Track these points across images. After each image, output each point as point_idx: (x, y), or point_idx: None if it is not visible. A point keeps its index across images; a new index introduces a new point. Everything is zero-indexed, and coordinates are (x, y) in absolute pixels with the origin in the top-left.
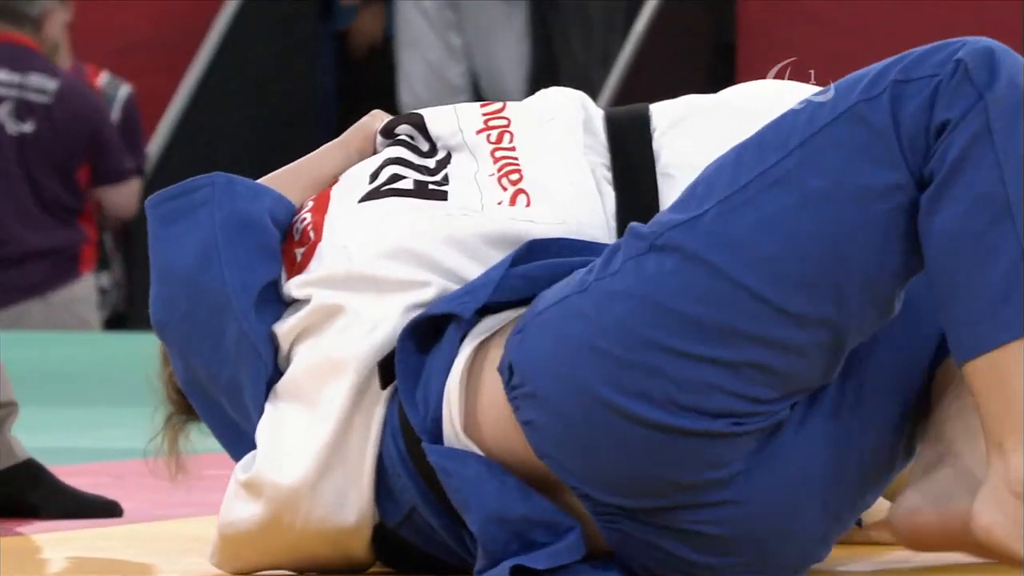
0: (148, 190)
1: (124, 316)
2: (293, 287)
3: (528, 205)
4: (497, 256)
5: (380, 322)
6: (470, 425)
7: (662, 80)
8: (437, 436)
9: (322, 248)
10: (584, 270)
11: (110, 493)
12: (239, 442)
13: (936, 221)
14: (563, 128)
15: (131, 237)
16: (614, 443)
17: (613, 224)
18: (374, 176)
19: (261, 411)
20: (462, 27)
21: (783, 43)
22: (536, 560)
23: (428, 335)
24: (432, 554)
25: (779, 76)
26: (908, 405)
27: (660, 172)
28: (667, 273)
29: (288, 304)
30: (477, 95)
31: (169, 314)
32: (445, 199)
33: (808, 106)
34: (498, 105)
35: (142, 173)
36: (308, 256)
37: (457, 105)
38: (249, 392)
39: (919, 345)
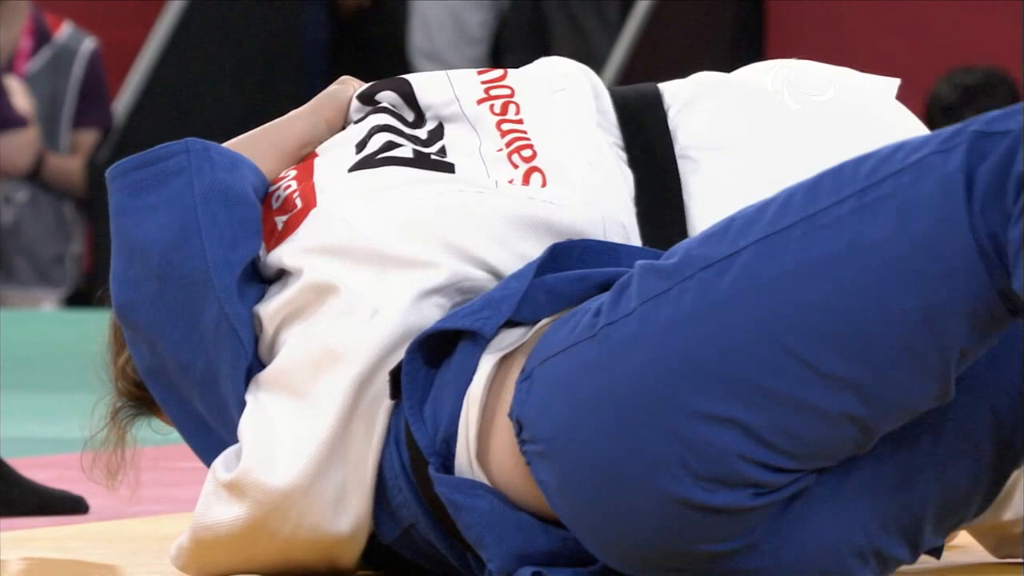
0: (116, 153)
1: (86, 293)
2: (285, 255)
3: (544, 185)
4: (517, 238)
5: (382, 308)
6: (483, 453)
7: (680, 42)
8: (448, 458)
9: (316, 214)
10: (593, 307)
11: (75, 488)
12: (206, 438)
13: None
14: (574, 100)
15: (94, 205)
16: (627, 514)
17: (634, 209)
18: (362, 145)
19: (241, 403)
20: None
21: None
22: (559, 574)
23: (439, 347)
24: (426, 567)
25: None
26: (984, 446)
27: (678, 154)
28: (688, 318)
29: (271, 281)
30: (496, 49)
31: (136, 295)
32: (452, 171)
33: (873, 156)
34: (498, 72)
35: (108, 133)
36: (295, 223)
37: (450, 71)
38: (227, 382)
39: (991, 381)
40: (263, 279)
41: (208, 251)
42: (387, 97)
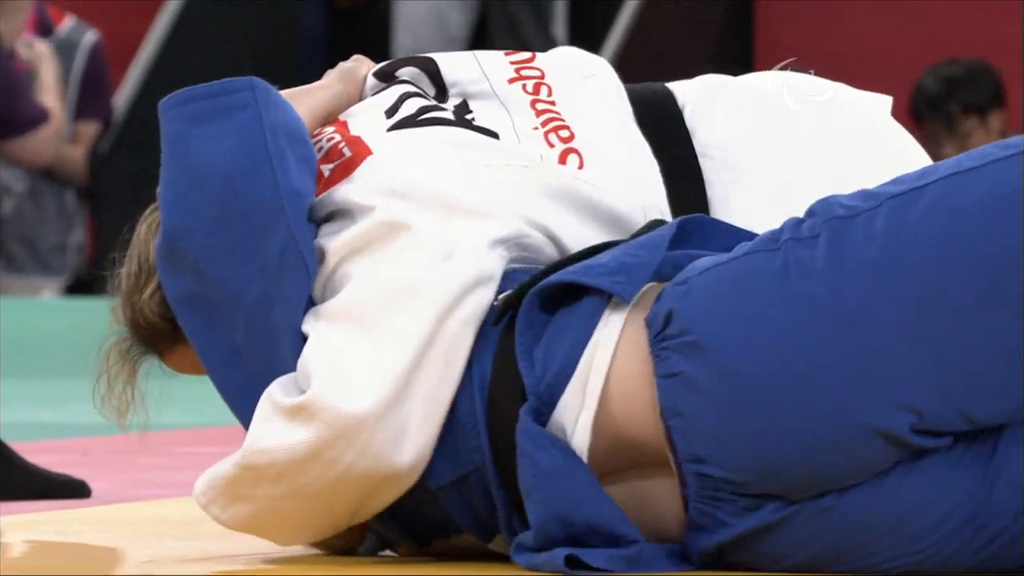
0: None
1: (87, 282)
2: (354, 193)
3: (581, 167)
4: (563, 213)
5: (457, 252)
6: (604, 394)
7: (668, 40)
8: (549, 403)
9: (375, 161)
10: (768, 232)
11: (78, 472)
12: (233, 371)
13: None
14: (605, 87)
15: (96, 195)
16: (769, 416)
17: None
18: (392, 110)
19: (295, 333)
20: None
21: None
22: (593, 557)
23: (554, 297)
24: (456, 527)
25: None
26: None
27: (699, 152)
28: (880, 239)
29: (319, 224)
30: (477, 46)
31: (193, 220)
32: (496, 137)
33: None
34: (526, 55)
35: (109, 124)
36: (347, 168)
37: (476, 52)
38: (284, 310)
39: None
40: (314, 221)
41: (280, 179)
42: (407, 73)
